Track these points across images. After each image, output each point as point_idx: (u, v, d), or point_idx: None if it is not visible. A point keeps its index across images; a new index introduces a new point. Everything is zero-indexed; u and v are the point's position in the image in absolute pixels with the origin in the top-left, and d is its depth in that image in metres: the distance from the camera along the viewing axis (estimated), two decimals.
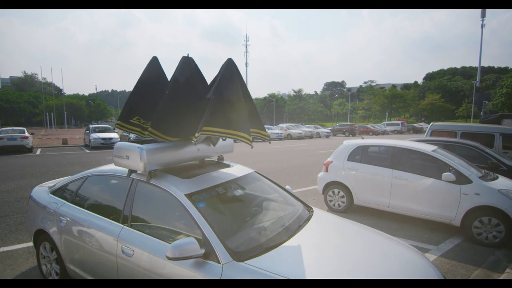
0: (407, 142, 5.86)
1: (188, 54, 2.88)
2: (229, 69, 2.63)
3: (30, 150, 17.84)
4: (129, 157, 2.68)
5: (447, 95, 72.26)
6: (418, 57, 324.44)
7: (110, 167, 3.27)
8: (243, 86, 2.69)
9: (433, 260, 4.13)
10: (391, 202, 5.49)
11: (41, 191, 3.73)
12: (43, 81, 61.49)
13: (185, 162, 3.10)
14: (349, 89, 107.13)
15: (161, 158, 2.75)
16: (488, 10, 50.45)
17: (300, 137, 30.51)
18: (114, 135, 19.59)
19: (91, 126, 21.99)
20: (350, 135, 35.79)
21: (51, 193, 3.56)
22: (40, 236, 3.48)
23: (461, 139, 7.18)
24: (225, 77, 2.59)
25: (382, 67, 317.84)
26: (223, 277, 2.07)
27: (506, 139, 7.35)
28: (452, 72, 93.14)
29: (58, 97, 60.25)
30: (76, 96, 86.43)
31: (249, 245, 2.35)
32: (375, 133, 38.29)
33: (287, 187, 3.56)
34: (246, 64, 66.52)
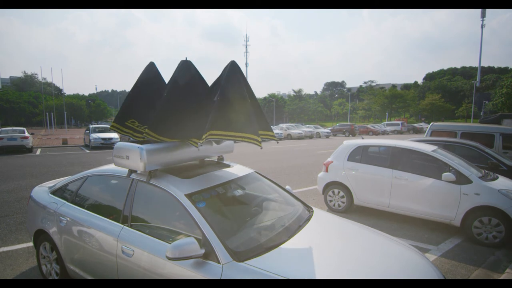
0: (407, 142, 5.87)
1: (186, 58, 2.88)
2: (233, 71, 2.63)
3: (30, 150, 17.83)
4: (129, 157, 2.68)
5: (447, 95, 72.28)
6: (418, 57, 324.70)
7: (110, 167, 3.27)
8: (248, 87, 2.67)
9: (433, 260, 4.13)
10: (391, 202, 5.50)
11: (41, 191, 3.73)
12: (43, 81, 61.46)
13: (185, 162, 3.10)
14: (349, 89, 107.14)
15: (161, 158, 2.75)
16: (488, 10, 50.52)
17: (300, 137, 30.50)
18: (114, 135, 19.55)
19: (91, 126, 21.99)
20: (350, 135, 35.79)
21: (51, 193, 3.56)
22: (40, 236, 3.48)
23: (461, 139, 7.18)
24: (229, 78, 2.58)
25: (382, 67, 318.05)
26: (223, 277, 2.07)
27: (506, 139, 7.35)
28: (452, 72, 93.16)
29: (58, 97, 60.24)
30: (76, 96, 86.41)
31: (249, 245, 2.35)
32: (375, 133, 38.30)
33: (287, 187, 3.56)
34: (246, 64, 66.67)
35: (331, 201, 6.29)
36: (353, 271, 2.16)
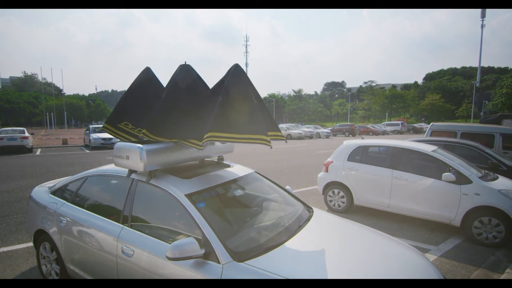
0: (407, 142, 5.87)
1: (185, 62, 2.88)
2: (236, 73, 2.63)
3: (30, 150, 17.84)
4: (129, 157, 2.68)
5: (447, 95, 72.32)
6: (418, 57, 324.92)
7: (110, 167, 3.27)
8: (254, 89, 2.65)
9: (433, 260, 4.13)
10: (391, 202, 5.50)
11: (41, 191, 3.73)
12: (43, 81, 61.45)
13: (185, 162, 3.10)
14: (349, 89, 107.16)
15: (161, 158, 2.75)
16: (488, 10, 50.44)
17: (300, 137, 30.50)
18: None
19: (91, 126, 21.96)
20: (350, 135, 35.78)
21: (51, 193, 3.56)
22: (40, 236, 3.48)
23: (461, 139, 7.18)
24: (233, 80, 2.57)
25: (382, 67, 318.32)
26: (223, 277, 2.07)
27: (506, 139, 7.35)
28: (452, 72, 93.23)
29: (58, 97, 60.21)
30: (76, 96, 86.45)
31: (249, 245, 2.35)
32: (375, 133, 38.30)
33: (287, 187, 3.56)
34: (246, 64, 66.74)
35: (331, 201, 6.29)
36: (353, 271, 2.16)
